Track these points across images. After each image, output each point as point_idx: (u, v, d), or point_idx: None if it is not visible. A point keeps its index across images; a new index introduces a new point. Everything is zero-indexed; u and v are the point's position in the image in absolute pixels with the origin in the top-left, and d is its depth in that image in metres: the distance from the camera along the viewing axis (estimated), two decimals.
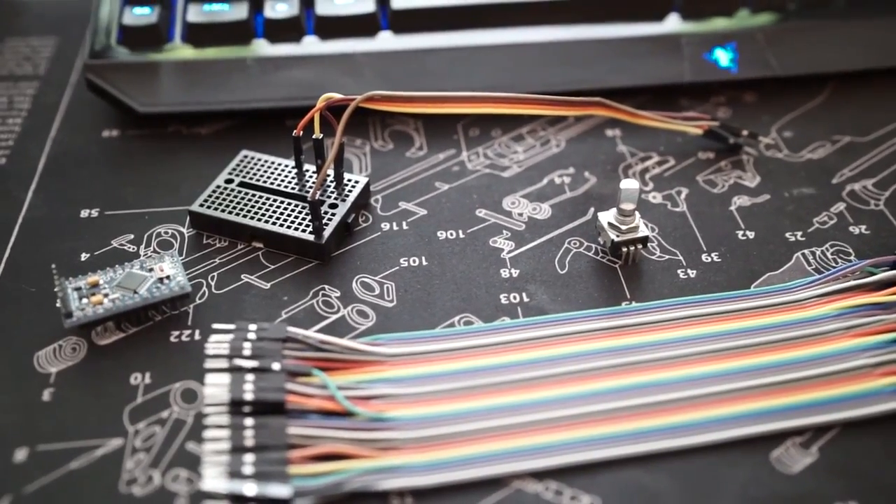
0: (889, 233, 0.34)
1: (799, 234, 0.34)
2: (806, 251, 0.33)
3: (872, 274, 0.31)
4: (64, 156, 0.38)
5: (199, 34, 0.40)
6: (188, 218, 0.34)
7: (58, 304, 0.30)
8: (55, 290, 0.30)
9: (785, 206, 0.35)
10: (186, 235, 0.34)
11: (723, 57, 0.41)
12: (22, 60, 0.44)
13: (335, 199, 0.34)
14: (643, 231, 0.32)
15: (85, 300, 0.30)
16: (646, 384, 0.28)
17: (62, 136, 0.39)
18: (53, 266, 0.30)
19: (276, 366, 0.28)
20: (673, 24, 0.42)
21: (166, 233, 0.34)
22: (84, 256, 0.33)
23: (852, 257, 0.33)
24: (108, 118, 0.40)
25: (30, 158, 0.38)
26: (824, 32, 0.42)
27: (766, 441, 0.27)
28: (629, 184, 0.32)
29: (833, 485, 0.26)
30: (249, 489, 0.24)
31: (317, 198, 0.31)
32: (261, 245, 0.33)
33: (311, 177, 0.35)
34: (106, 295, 0.30)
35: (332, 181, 0.35)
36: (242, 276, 0.32)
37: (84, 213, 0.35)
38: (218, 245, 0.34)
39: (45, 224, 0.35)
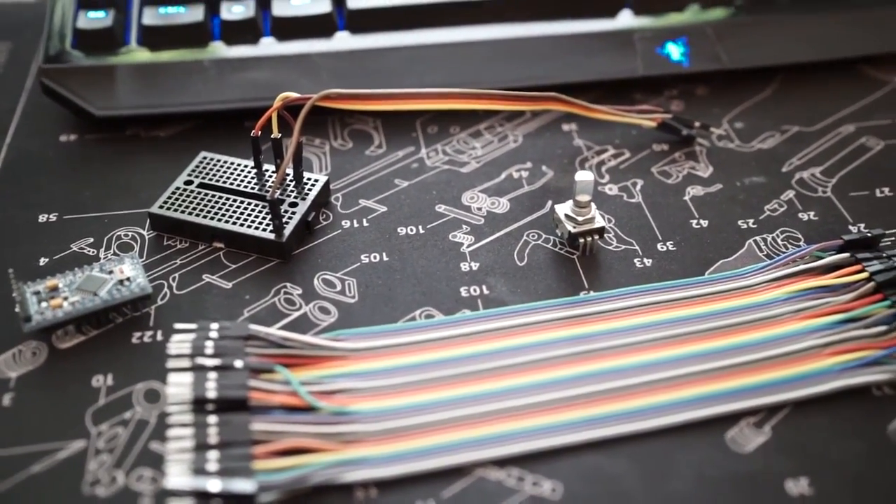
0: (836, 218, 0.35)
1: (751, 221, 0.35)
2: (757, 238, 0.34)
3: (820, 258, 0.32)
4: (21, 161, 0.38)
5: (155, 37, 0.40)
6: (148, 220, 0.34)
7: (16, 309, 0.30)
8: (13, 294, 0.29)
9: (737, 194, 0.36)
10: (147, 238, 0.34)
11: (674, 51, 0.42)
12: None
13: (295, 197, 0.34)
14: (599, 222, 0.33)
15: (44, 304, 0.30)
16: (604, 371, 0.29)
17: (18, 141, 0.39)
18: (11, 270, 0.30)
19: (238, 363, 0.28)
20: (625, 19, 0.43)
21: (126, 235, 0.34)
22: (43, 261, 0.33)
23: (801, 243, 0.34)
24: (65, 122, 0.40)
25: None
26: (772, 27, 0.43)
27: (721, 422, 0.27)
28: (584, 175, 0.32)
29: (785, 462, 0.26)
30: (213, 485, 0.25)
31: (276, 196, 0.32)
32: (221, 245, 0.34)
33: (270, 176, 0.35)
34: (65, 298, 0.30)
35: (291, 180, 0.35)
36: (204, 277, 0.32)
37: (42, 218, 0.35)
38: (179, 246, 0.34)
39: (2, 229, 0.34)
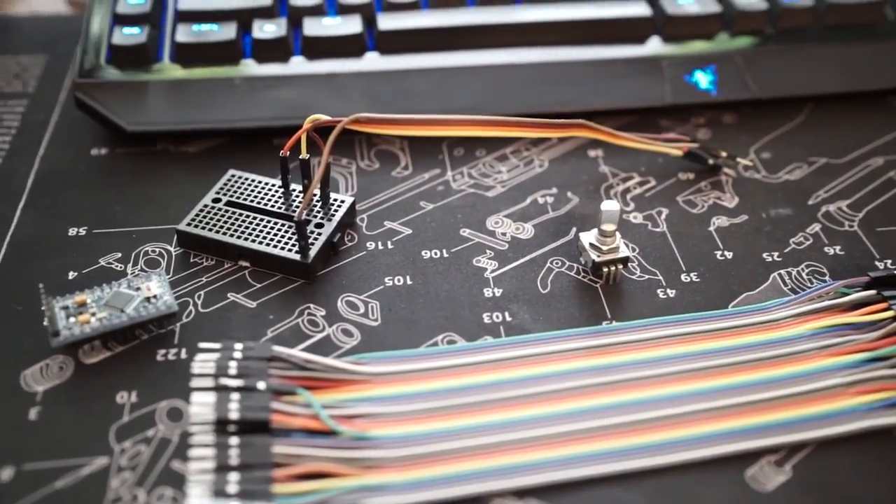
0: (862, 253, 0.35)
1: (776, 254, 0.35)
2: (782, 271, 0.34)
3: (846, 294, 0.32)
4: (52, 174, 0.38)
5: (187, 54, 0.41)
6: (175, 237, 0.35)
7: (45, 323, 0.30)
8: (42, 308, 0.30)
9: (762, 226, 0.36)
10: (174, 254, 0.34)
11: (702, 79, 0.42)
12: (11, 78, 0.45)
13: (321, 218, 0.35)
14: (623, 251, 0.33)
15: (72, 319, 0.30)
16: (625, 403, 0.29)
17: (51, 154, 0.40)
18: (41, 285, 0.30)
19: (261, 385, 0.28)
20: (654, 46, 0.43)
21: (154, 251, 0.35)
22: (72, 275, 0.33)
23: (827, 277, 0.34)
24: (96, 136, 0.40)
25: (18, 176, 0.38)
26: (801, 56, 0.43)
27: (741, 459, 0.27)
28: (610, 205, 0.32)
29: (805, 502, 0.26)
30: None
31: (303, 217, 0.32)
32: (247, 264, 0.34)
33: (297, 196, 0.36)
34: (93, 314, 0.30)
35: (318, 201, 0.35)
36: (229, 295, 0.33)
37: (72, 232, 0.35)
38: (205, 264, 0.34)
39: (33, 242, 0.35)
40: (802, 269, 0.34)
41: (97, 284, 0.32)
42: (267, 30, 0.41)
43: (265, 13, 0.42)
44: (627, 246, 0.35)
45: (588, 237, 0.33)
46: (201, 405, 0.27)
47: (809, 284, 0.33)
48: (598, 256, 0.33)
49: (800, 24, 0.44)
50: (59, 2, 0.53)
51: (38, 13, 0.51)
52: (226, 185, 0.36)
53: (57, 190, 0.38)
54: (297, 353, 0.30)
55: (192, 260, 0.34)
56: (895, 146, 0.40)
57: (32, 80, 0.45)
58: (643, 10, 0.43)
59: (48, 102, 0.43)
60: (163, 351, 0.31)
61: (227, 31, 0.41)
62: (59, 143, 0.40)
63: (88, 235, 0.35)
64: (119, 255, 0.34)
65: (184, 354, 0.30)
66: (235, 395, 0.28)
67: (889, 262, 0.34)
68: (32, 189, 0.38)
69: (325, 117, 0.33)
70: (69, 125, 0.41)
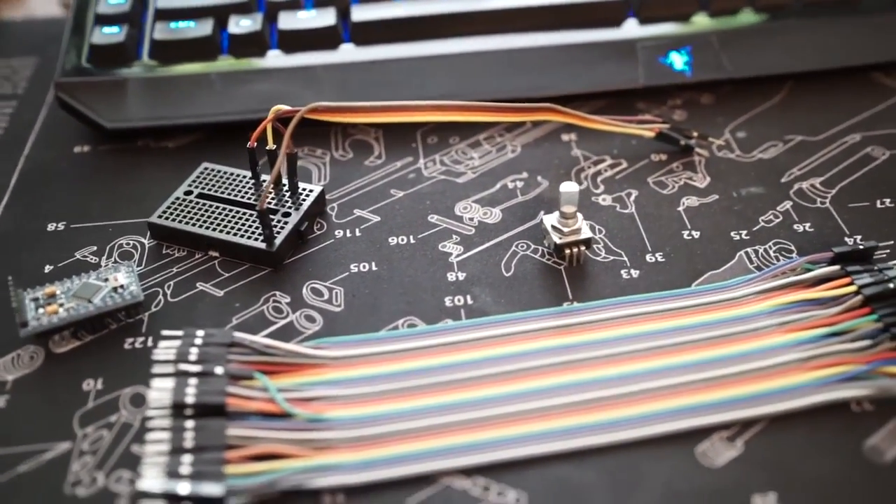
0: (832, 230, 0.34)
1: (744, 232, 0.35)
2: (749, 249, 0.34)
3: (810, 270, 0.32)
4: (36, 171, 0.39)
5: (165, 51, 0.41)
6: (148, 229, 0.35)
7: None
8: (11, 300, 0.31)
9: (733, 205, 0.36)
10: (147, 246, 0.35)
11: (677, 60, 0.41)
12: (2, 80, 0.46)
13: (289, 207, 0.35)
14: (586, 233, 0.33)
15: (41, 310, 0.31)
16: (579, 382, 0.29)
17: (35, 152, 0.41)
18: (10, 278, 0.31)
19: (218, 370, 0.29)
20: (630, 29, 0.43)
21: (128, 244, 0.35)
22: (48, 268, 0.34)
23: (794, 255, 0.33)
24: (80, 134, 0.41)
25: (3, 175, 0.39)
26: (779, 34, 0.42)
27: (693, 436, 0.27)
28: (569, 186, 0.32)
29: (754, 477, 0.26)
30: (183, 488, 0.25)
31: (265, 207, 0.32)
32: (217, 254, 0.35)
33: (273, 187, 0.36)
34: (61, 304, 0.31)
35: (287, 190, 0.36)
36: (198, 285, 0.33)
37: (51, 227, 0.36)
38: (176, 255, 0.35)
39: (12, 238, 0.36)
40: (770, 247, 0.34)
41: (71, 276, 0.32)
42: (243, 25, 0.42)
43: (242, 8, 0.43)
44: (594, 228, 0.35)
45: (550, 219, 0.34)
46: (160, 390, 0.28)
47: (776, 262, 0.33)
48: (560, 238, 0.33)
49: (778, 1, 0.43)
50: (53, 5, 0.54)
51: (32, 16, 0.53)
52: (198, 177, 0.37)
53: (39, 187, 0.39)
54: (257, 338, 0.30)
55: (164, 251, 0.35)
56: (874, 122, 0.40)
57: (23, 81, 0.46)
58: None
59: (36, 103, 0.44)
60: (130, 339, 0.31)
61: (204, 28, 0.42)
62: (45, 141, 0.41)
63: (66, 230, 0.36)
64: (94, 248, 0.35)
65: (150, 343, 0.31)
66: (193, 381, 0.28)
67: (859, 237, 0.34)
68: (16, 187, 0.39)
69: (286, 107, 0.33)
70: (55, 124, 0.42)
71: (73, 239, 0.36)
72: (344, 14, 0.43)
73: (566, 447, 0.27)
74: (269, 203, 0.35)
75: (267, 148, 0.35)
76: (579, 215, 0.33)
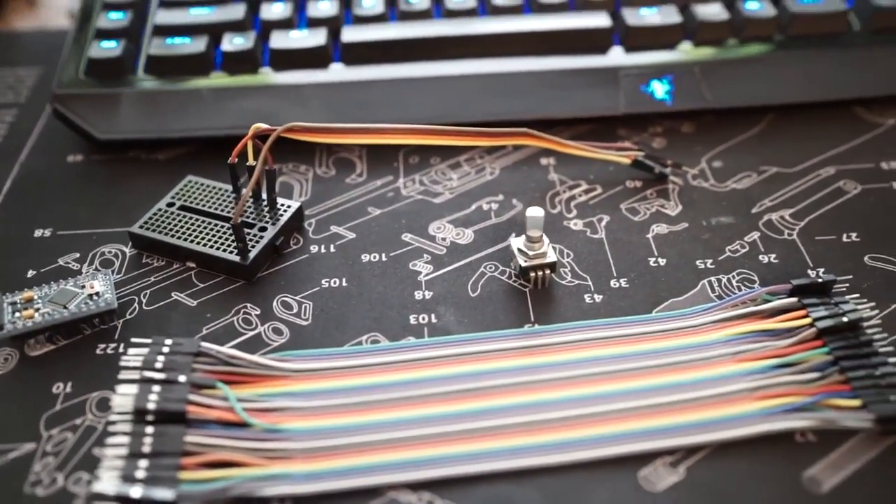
0: (797, 262, 0.35)
1: (709, 261, 0.35)
2: (713, 278, 0.34)
3: (768, 301, 0.32)
4: (29, 178, 0.41)
5: (160, 66, 0.43)
6: (129, 239, 0.37)
7: None
8: None
9: (701, 234, 0.37)
10: (128, 255, 0.36)
11: (658, 89, 0.42)
12: (6, 89, 0.48)
13: (265, 222, 0.36)
14: (551, 257, 0.34)
15: (17, 314, 0.32)
16: (530, 403, 0.29)
17: (30, 160, 0.42)
18: None
19: (182, 378, 0.30)
20: (615, 57, 0.43)
21: (110, 252, 0.37)
22: (30, 273, 0.35)
23: (756, 285, 0.34)
24: (74, 144, 0.43)
25: None
26: (762, 66, 0.43)
27: (637, 460, 0.28)
28: (534, 211, 0.33)
29: (694, 503, 0.27)
30: (135, 492, 0.26)
31: (239, 221, 0.33)
32: (193, 265, 0.36)
33: (248, 201, 0.37)
34: (37, 309, 0.32)
35: (266, 205, 0.37)
36: (173, 294, 0.34)
37: (38, 233, 0.38)
38: (155, 264, 0.36)
39: (0, 242, 0.37)
40: (733, 277, 0.34)
41: (52, 282, 0.34)
42: (236, 42, 0.43)
43: (237, 27, 0.44)
44: (562, 252, 0.36)
45: (517, 242, 0.34)
46: (124, 396, 0.29)
47: (737, 291, 0.34)
48: (526, 261, 0.34)
49: (763, 33, 0.44)
50: (63, 17, 0.56)
51: (42, 28, 0.54)
52: (181, 190, 0.38)
53: (30, 193, 0.40)
54: (223, 349, 0.31)
55: (143, 261, 0.36)
56: (850, 156, 0.40)
57: (25, 90, 0.47)
58: (603, 21, 0.44)
59: (36, 112, 0.46)
60: (103, 345, 0.32)
61: (198, 44, 0.43)
62: (40, 150, 0.43)
63: (52, 236, 0.37)
64: (77, 255, 0.36)
65: (122, 349, 0.32)
66: (157, 388, 0.29)
67: (822, 270, 0.34)
68: (8, 192, 0.40)
69: (265, 126, 0.34)
70: (51, 133, 0.44)
71: (58, 245, 0.37)
72: (335, 35, 0.44)
73: (511, 466, 0.28)
74: (248, 217, 0.36)
75: (247, 164, 0.36)
76: (545, 239, 0.34)
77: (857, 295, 0.32)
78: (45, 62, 0.50)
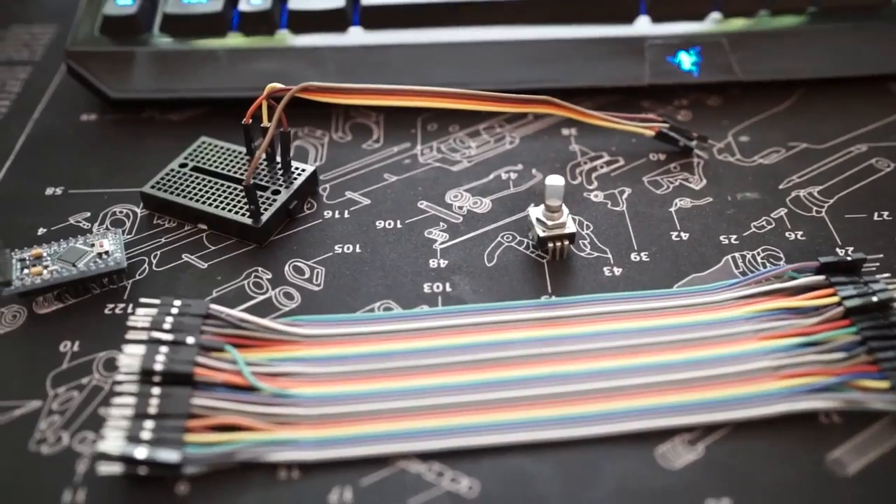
0: (825, 239, 0.34)
1: (734, 237, 0.34)
2: (737, 254, 0.33)
3: (794, 279, 0.31)
4: (42, 136, 0.40)
5: (175, 25, 0.42)
6: (141, 199, 0.36)
7: None
8: None
9: (726, 209, 0.35)
10: (139, 215, 0.36)
11: (685, 60, 0.41)
12: (21, 46, 0.47)
13: (279, 185, 0.35)
14: (570, 227, 0.33)
15: (26, 271, 0.31)
16: (546, 376, 0.29)
17: (44, 118, 0.41)
18: None
19: (190, 340, 0.29)
20: (641, 26, 0.42)
21: (121, 212, 0.36)
22: (41, 231, 0.35)
23: (782, 262, 0.33)
24: (88, 103, 0.42)
25: (10, 138, 0.40)
26: (793, 39, 0.41)
27: (656, 436, 0.27)
28: (554, 180, 0.32)
29: (710, 482, 0.26)
30: (140, 452, 0.26)
31: (251, 182, 0.33)
32: (205, 227, 0.35)
33: (262, 164, 0.36)
34: (46, 266, 0.32)
35: (280, 168, 0.36)
36: (183, 256, 0.34)
37: (49, 191, 0.37)
38: (166, 225, 0.35)
39: (12, 199, 0.37)
40: (758, 253, 0.33)
41: (62, 240, 0.33)
42: (254, 3, 0.42)
43: None
44: (581, 223, 0.35)
45: (536, 212, 0.33)
46: (131, 356, 0.29)
47: (762, 268, 0.33)
48: (544, 231, 0.33)
49: (795, 5, 0.42)
50: None
51: None
52: (195, 151, 0.37)
53: (43, 151, 0.39)
54: (232, 312, 0.30)
55: (155, 222, 0.35)
56: (884, 133, 0.39)
57: (41, 48, 0.47)
58: None
59: (50, 70, 0.45)
60: (111, 305, 0.32)
61: (215, 4, 0.42)
62: (54, 108, 0.42)
63: (64, 195, 0.37)
64: (88, 214, 0.36)
65: (130, 309, 0.32)
66: (164, 349, 0.29)
67: (851, 248, 0.33)
68: (21, 150, 0.39)
69: (280, 85, 0.34)
70: (65, 92, 0.43)
71: (68, 204, 0.36)
72: None
73: (524, 439, 0.27)
74: (261, 180, 0.36)
75: (262, 125, 0.35)
76: (565, 209, 0.33)
77: (888, 275, 0.31)
78: (61, 20, 0.49)
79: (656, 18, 0.42)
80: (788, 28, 0.42)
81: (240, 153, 0.37)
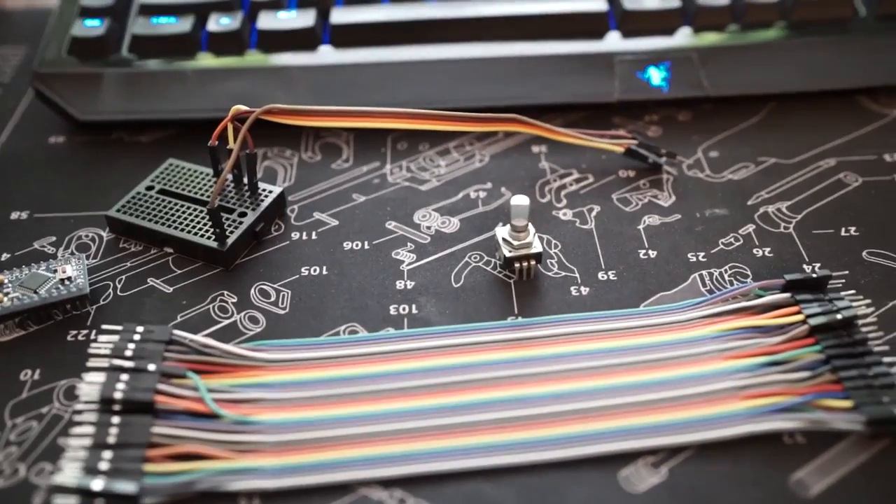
0: (792, 256, 0.34)
1: (701, 254, 0.34)
2: (704, 272, 0.33)
3: (761, 296, 0.31)
4: (9, 159, 0.40)
5: (144, 46, 0.42)
6: (107, 223, 0.36)
7: None
8: None
9: (694, 226, 0.35)
10: (105, 239, 0.35)
11: (655, 76, 0.41)
12: None
13: (245, 207, 0.35)
14: (537, 247, 0.33)
15: None
16: (508, 399, 0.28)
17: (11, 140, 0.41)
18: None
19: (151, 367, 0.29)
20: (611, 42, 0.42)
21: (87, 236, 0.36)
22: (5, 256, 0.35)
23: (749, 280, 0.33)
24: (56, 125, 0.42)
25: None
26: (763, 54, 0.41)
27: (618, 460, 0.27)
28: (519, 200, 0.32)
29: None
30: (97, 484, 0.25)
31: (216, 205, 0.32)
32: (171, 250, 0.35)
33: (229, 185, 0.36)
34: (7, 294, 0.31)
35: (246, 190, 0.36)
36: (148, 280, 0.34)
37: (14, 215, 0.37)
38: (132, 249, 0.35)
39: None
40: (726, 271, 0.33)
41: (26, 266, 0.33)
42: (222, 23, 0.42)
43: (224, 6, 0.43)
44: (549, 242, 0.35)
45: (502, 232, 0.33)
46: (91, 384, 0.28)
47: (729, 286, 0.32)
48: (510, 251, 0.33)
49: (765, 19, 0.43)
50: None
51: (31, 6, 0.53)
52: (162, 173, 0.37)
53: (9, 175, 0.39)
54: (195, 337, 0.30)
55: (121, 245, 0.35)
56: (852, 147, 0.39)
57: (10, 69, 0.47)
58: (600, 6, 0.42)
59: (19, 92, 0.45)
60: (74, 332, 0.32)
61: (184, 24, 0.42)
62: (22, 130, 0.42)
63: (29, 219, 0.37)
64: (53, 238, 0.36)
65: (93, 335, 0.31)
66: (125, 376, 0.28)
67: (817, 265, 0.33)
68: None
69: (244, 108, 0.33)
70: (34, 114, 0.43)
71: (34, 228, 0.36)
72: (324, 16, 0.43)
73: (486, 464, 0.27)
74: (228, 202, 0.35)
75: (227, 147, 0.35)
76: (531, 229, 0.33)
77: (853, 291, 0.31)
78: (31, 41, 0.49)
79: (626, 34, 0.42)
80: (758, 42, 0.42)
81: (207, 175, 0.37)
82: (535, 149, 0.40)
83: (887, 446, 0.27)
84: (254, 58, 0.42)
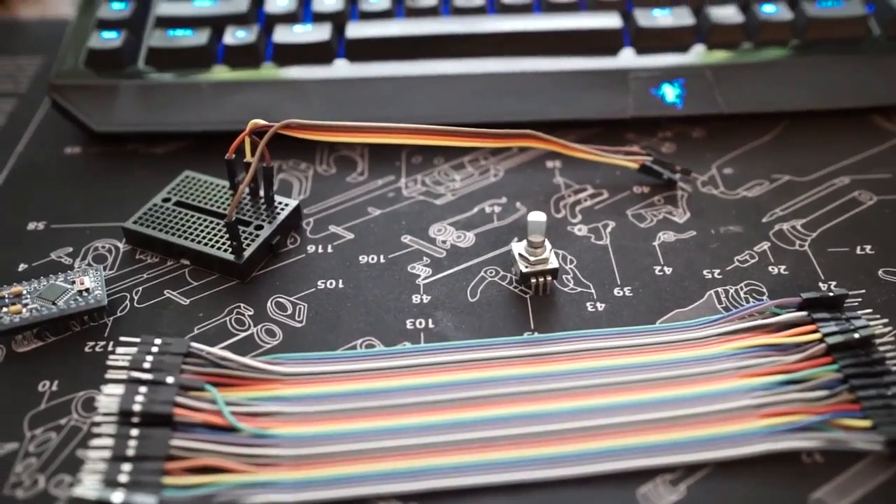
0: (808, 274, 0.34)
1: (717, 271, 0.34)
2: (720, 289, 0.33)
3: (777, 315, 0.31)
4: (25, 170, 0.40)
5: (160, 58, 0.42)
6: (123, 234, 0.36)
7: None
8: None
9: (709, 243, 0.35)
10: (121, 250, 0.36)
11: (669, 92, 0.41)
12: (5, 78, 0.47)
13: (262, 220, 0.35)
14: (553, 263, 0.33)
15: (5, 309, 0.31)
16: (527, 415, 0.28)
17: (28, 151, 0.41)
18: None
19: (170, 379, 0.29)
20: (625, 58, 0.42)
21: (103, 247, 0.36)
22: (22, 267, 0.35)
23: (765, 297, 0.33)
24: (73, 136, 0.42)
25: None
26: (777, 72, 0.42)
27: (637, 476, 0.27)
28: (536, 216, 0.32)
29: None
30: (116, 497, 0.25)
31: (233, 218, 0.33)
32: (188, 262, 0.35)
33: (245, 198, 0.36)
34: (25, 305, 0.31)
35: (263, 203, 0.36)
36: (165, 292, 0.34)
37: (31, 226, 0.37)
38: (149, 261, 0.35)
39: None
40: (741, 288, 0.33)
41: (43, 276, 0.33)
42: (238, 36, 0.42)
43: (240, 20, 0.43)
44: (565, 258, 0.35)
45: (519, 247, 0.33)
46: (109, 396, 0.28)
47: (745, 303, 0.33)
48: (527, 267, 0.33)
49: (779, 37, 0.43)
50: (67, 6, 0.55)
51: (46, 17, 0.54)
52: (178, 185, 0.37)
53: (26, 185, 0.39)
54: (213, 350, 0.30)
55: (137, 257, 0.35)
56: (866, 165, 0.39)
57: (26, 80, 0.47)
58: (614, 22, 0.43)
59: (35, 102, 0.45)
60: (91, 343, 0.32)
61: (200, 37, 0.42)
62: (38, 141, 0.42)
63: (46, 230, 0.37)
64: (70, 249, 0.36)
65: (111, 347, 0.31)
66: (143, 389, 0.28)
67: (834, 283, 0.33)
68: (4, 184, 0.39)
69: (263, 122, 0.34)
70: (50, 125, 0.43)
71: (51, 239, 0.36)
72: (340, 30, 0.43)
73: (504, 480, 0.27)
74: (244, 215, 0.35)
75: (245, 160, 0.35)
76: (547, 244, 0.33)
77: (870, 310, 0.31)
78: (47, 51, 0.49)
79: (640, 50, 0.43)
80: (772, 60, 0.42)
81: (223, 188, 0.37)
82: (550, 164, 0.40)
83: None
84: (269, 71, 0.42)
